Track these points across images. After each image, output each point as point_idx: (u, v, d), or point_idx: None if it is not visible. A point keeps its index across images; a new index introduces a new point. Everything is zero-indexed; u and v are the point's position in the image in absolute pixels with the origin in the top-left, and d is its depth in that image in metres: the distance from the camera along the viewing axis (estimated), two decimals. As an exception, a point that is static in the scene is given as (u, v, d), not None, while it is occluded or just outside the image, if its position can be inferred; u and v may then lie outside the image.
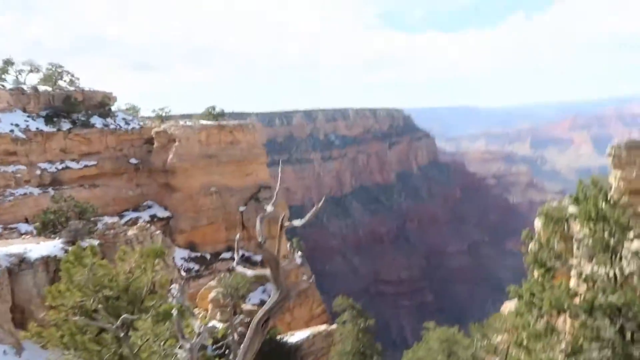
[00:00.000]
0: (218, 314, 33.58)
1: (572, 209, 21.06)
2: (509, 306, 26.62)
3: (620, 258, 14.11)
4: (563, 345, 13.36)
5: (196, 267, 58.71)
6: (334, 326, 35.88)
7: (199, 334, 11.41)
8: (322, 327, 36.34)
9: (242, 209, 63.54)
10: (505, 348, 17.96)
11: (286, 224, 10.82)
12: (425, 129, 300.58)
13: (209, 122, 65.63)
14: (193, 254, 60.26)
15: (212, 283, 38.34)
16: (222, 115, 69.81)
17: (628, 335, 12.09)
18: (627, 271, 13.21)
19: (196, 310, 34.04)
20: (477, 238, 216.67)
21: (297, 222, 10.60)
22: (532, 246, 15.21)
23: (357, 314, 34.23)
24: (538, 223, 26.90)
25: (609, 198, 13.61)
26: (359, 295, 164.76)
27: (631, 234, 13.12)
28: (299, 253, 67.19)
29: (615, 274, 12.95)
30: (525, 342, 13.28)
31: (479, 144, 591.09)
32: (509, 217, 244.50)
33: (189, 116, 75.59)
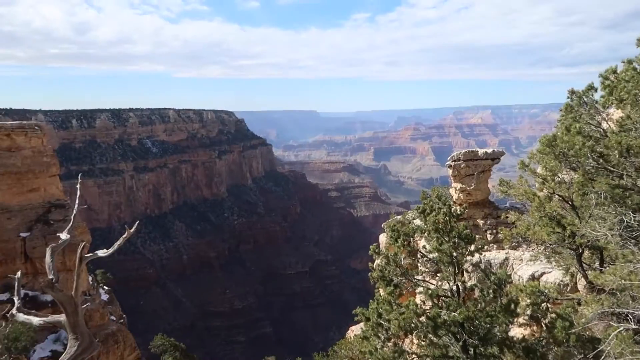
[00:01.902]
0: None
1: (417, 222, 23.24)
2: (356, 330, 28.27)
3: (463, 272, 15.97)
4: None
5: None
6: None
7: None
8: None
9: (24, 234, 57.13)
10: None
11: (87, 255, 10.06)
12: (261, 135, 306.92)
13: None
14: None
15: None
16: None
17: (471, 351, 13.67)
18: (469, 284, 14.98)
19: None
20: (320, 257, 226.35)
21: (101, 253, 9.95)
22: (378, 262, 16.34)
23: (182, 356, 33.17)
24: (383, 238, 29.15)
25: (452, 210, 15.32)
26: (183, 333, 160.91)
27: (472, 247, 14.91)
28: (105, 288, 62.86)
29: (458, 288, 14.58)
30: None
31: (320, 153, 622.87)
32: (354, 232, 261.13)
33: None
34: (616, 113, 16.81)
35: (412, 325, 13.57)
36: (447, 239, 14.57)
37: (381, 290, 16.46)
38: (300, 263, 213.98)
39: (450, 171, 27.29)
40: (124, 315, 63.07)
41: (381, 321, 14.25)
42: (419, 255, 17.47)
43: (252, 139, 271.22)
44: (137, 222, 14.17)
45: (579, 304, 14.59)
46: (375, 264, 16.46)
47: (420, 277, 16.63)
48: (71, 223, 10.77)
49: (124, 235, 10.30)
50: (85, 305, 10.40)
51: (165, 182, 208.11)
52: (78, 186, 15.36)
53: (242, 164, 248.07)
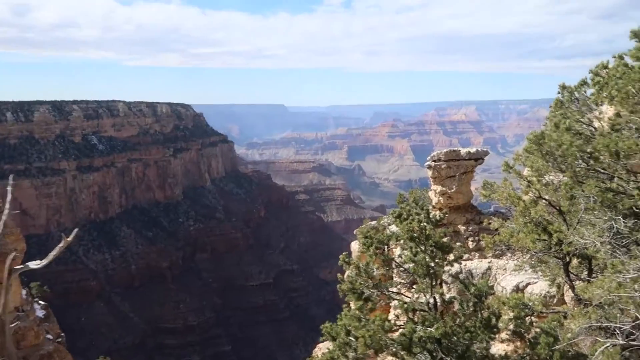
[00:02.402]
0: None
1: (393, 229, 23.37)
2: (323, 347, 28.26)
3: (441, 283, 16.11)
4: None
5: None
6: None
7: None
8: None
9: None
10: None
11: (17, 267, 9.87)
12: (222, 131, 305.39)
13: None
14: None
15: None
16: None
17: (449, 370, 13.82)
18: (447, 297, 15.13)
19: None
20: (285, 267, 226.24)
21: (34, 265, 9.78)
22: (348, 273, 16.39)
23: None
24: (356, 245, 29.25)
25: (430, 216, 15.44)
26: (131, 352, 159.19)
27: (452, 256, 15.06)
28: (42, 303, 61.57)
29: (435, 301, 14.72)
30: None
31: (288, 152, 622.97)
32: (323, 239, 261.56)
33: None
34: (609, 110, 17.20)
35: (382, 342, 13.64)
36: (422, 248, 14.70)
37: (352, 304, 16.51)
38: (263, 273, 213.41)
39: (429, 172, 27.53)
40: (63, 334, 61.85)
41: (350, 339, 14.29)
42: (393, 265, 17.58)
43: (212, 136, 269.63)
44: (77, 229, 13.91)
45: (565, 318, 14.87)
46: (345, 275, 16.50)
47: (395, 290, 16.72)
48: (0, 230, 10.55)
49: (60, 244, 10.14)
50: (14, 324, 10.18)
51: (113, 183, 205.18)
52: (9, 188, 14.93)
53: (200, 163, 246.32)
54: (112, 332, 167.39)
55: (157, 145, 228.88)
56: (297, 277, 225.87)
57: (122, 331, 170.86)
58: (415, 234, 15.05)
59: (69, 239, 10.36)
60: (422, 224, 15.21)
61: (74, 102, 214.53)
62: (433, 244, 14.73)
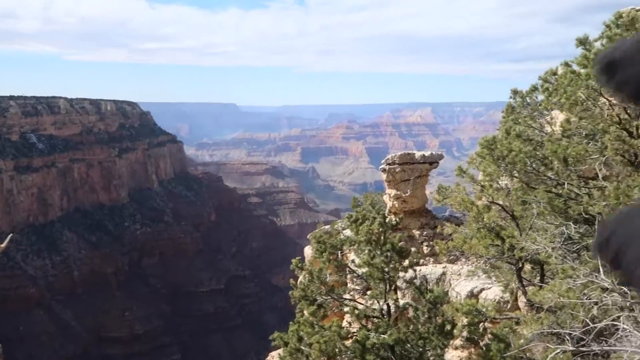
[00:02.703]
0: None
1: (347, 233, 23.63)
2: (276, 356, 28.35)
3: (396, 289, 16.40)
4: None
5: None
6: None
7: None
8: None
9: None
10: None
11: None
12: (171, 130, 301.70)
13: None
14: None
15: None
16: None
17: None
18: (401, 303, 15.43)
19: None
20: (237, 272, 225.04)
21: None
22: (301, 279, 16.52)
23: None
24: (309, 250, 29.41)
25: (387, 220, 15.71)
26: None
27: (407, 262, 15.35)
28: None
29: (389, 307, 14.99)
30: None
31: (239, 153, 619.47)
32: (276, 244, 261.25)
33: None
34: (560, 116, 17.80)
35: (336, 349, 13.82)
36: (379, 252, 14.92)
37: (305, 311, 16.63)
38: (214, 279, 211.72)
39: (384, 176, 27.89)
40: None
41: (301, 346, 14.42)
42: (347, 271, 17.79)
43: (160, 135, 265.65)
44: (11, 234, 13.63)
45: (518, 324, 15.33)
46: (298, 281, 16.62)
47: (348, 296, 16.91)
48: None
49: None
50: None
51: (53, 185, 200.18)
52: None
53: (147, 164, 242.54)
54: (53, 342, 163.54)
55: (102, 144, 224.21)
56: (249, 283, 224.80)
57: (63, 340, 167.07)
58: (374, 237, 15.27)
59: (3, 245, 10.11)
60: (380, 228, 15.45)
61: (11, 97, 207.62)
62: (390, 248, 14.96)
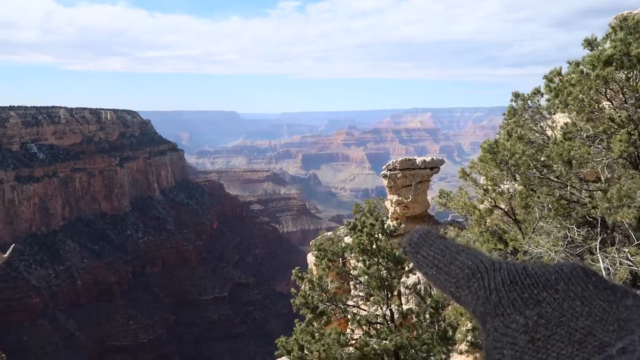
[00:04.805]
0: None
1: (348, 240, 23.52)
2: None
3: (399, 295, 16.30)
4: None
5: None
6: None
7: None
8: None
9: None
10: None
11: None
12: (171, 139, 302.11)
13: None
14: None
15: None
16: None
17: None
18: (404, 308, 15.31)
19: None
20: (240, 280, 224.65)
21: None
22: (303, 287, 16.41)
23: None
24: (311, 257, 29.31)
25: (384, 226, 15.61)
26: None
27: (406, 268, 15.24)
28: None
29: (392, 313, 14.86)
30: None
31: (240, 160, 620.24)
32: (279, 250, 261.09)
33: None
34: (561, 119, 17.70)
35: (337, 356, 13.71)
36: (375, 260, 14.83)
37: (307, 318, 16.54)
38: (217, 287, 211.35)
39: (385, 181, 27.81)
40: (3, 355, 60.11)
41: (304, 354, 14.32)
42: (350, 278, 17.68)
43: (161, 144, 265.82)
44: (14, 244, 13.53)
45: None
46: (301, 288, 16.53)
47: (352, 303, 16.81)
48: None
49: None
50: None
51: (55, 194, 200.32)
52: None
53: (148, 172, 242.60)
54: (58, 352, 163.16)
55: (102, 154, 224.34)
56: (253, 291, 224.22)
57: (68, 351, 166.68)
58: (366, 247, 15.16)
59: (6, 255, 10.01)
60: (374, 236, 15.32)
61: (11, 107, 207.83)
62: (386, 256, 14.86)
